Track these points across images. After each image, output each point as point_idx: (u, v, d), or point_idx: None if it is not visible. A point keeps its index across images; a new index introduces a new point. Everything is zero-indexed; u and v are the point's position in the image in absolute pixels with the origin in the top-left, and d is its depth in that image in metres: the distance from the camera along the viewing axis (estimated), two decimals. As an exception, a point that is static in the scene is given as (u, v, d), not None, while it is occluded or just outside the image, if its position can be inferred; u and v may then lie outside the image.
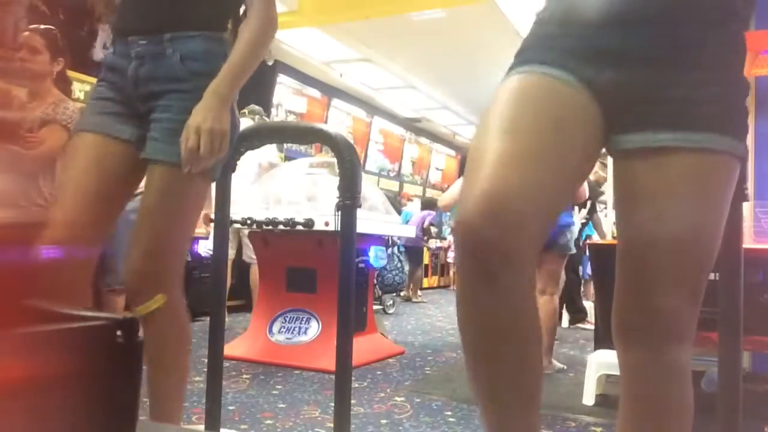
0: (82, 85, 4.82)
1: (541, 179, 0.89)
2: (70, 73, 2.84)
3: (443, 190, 12.10)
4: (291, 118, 7.52)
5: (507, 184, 0.85)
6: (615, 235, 1.13)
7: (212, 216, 1.89)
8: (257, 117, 4.90)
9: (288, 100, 7.54)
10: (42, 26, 2.62)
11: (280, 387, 3.03)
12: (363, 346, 3.57)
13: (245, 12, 1.47)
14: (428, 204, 9.02)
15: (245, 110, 4.89)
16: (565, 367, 3.65)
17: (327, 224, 3.44)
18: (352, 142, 1.81)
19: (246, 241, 4.44)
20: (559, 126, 0.93)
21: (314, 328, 3.67)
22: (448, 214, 7.97)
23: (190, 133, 1.32)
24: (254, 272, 4.56)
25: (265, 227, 3.63)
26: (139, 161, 1.43)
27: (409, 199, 9.68)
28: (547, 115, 0.93)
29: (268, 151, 4.79)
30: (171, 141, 1.37)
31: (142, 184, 1.47)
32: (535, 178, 0.88)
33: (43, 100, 2.58)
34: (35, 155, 2.42)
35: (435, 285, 10.33)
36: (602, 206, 5.14)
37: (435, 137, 11.70)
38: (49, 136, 2.53)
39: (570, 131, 0.94)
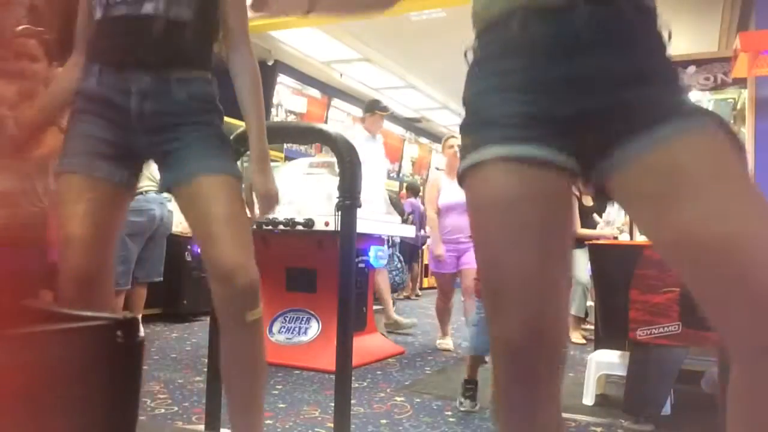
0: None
1: (547, 302, 0.96)
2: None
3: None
4: (291, 118, 7.51)
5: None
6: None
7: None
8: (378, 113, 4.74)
9: (288, 100, 7.54)
10: (35, 29, 2.59)
11: (280, 387, 3.03)
12: (363, 346, 3.57)
13: (227, 54, 1.55)
14: (414, 190, 9.06)
15: (376, 111, 4.70)
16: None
17: (327, 224, 3.44)
18: (352, 142, 1.81)
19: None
20: (544, 224, 0.95)
21: (314, 328, 3.67)
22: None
23: (263, 199, 1.51)
24: (383, 278, 4.69)
25: (265, 227, 3.63)
26: (127, 198, 1.53)
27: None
28: (532, 224, 0.95)
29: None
30: (218, 156, 1.47)
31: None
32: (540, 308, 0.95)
33: (34, 100, 2.56)
34: (32, 158, 2.40)
35: (435, 285, 10.32)
36: None
37: (435, 137, 11.69)
38: (46, 139, 2.52)
39: (555, 217, 0.96)
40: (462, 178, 1.00)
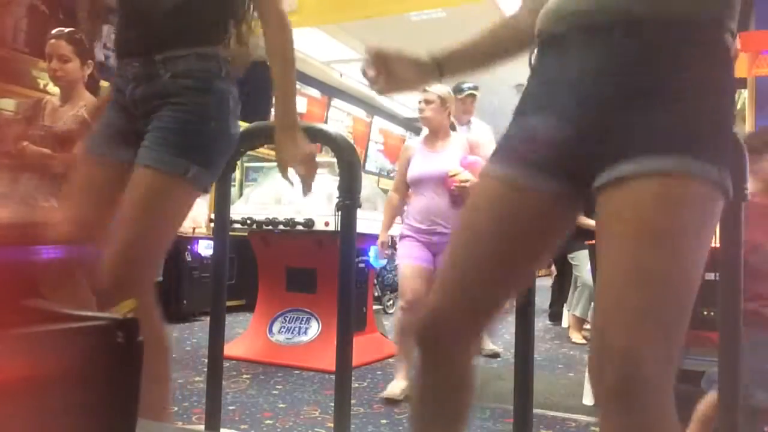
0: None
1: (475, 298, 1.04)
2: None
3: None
4: (291, 118, 7.51)
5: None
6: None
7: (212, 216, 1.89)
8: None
9: (288, 100, 7.54)
10: (65, 30, 2.59)
11: (280, 387, 3.03)
12: (363, 346, 3.57)
13: (255, 22, 1.51)
14: None
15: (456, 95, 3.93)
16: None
17: (327, 224, 3.44)
18: (352, 142, 1.81)
19: None
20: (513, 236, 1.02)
21: (314, 328, 3.67)
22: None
23: (297, 167, 1.49)
24: None
25: (265, 227, 3.63)
26: None
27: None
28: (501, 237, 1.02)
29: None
30: (158, 148, 1.40)
31: None
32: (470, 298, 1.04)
33: (75, 103, 2.58)
34: (66, 157, 2.41)
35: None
36: None
37: (435, 137, 11.69)
38: (81, 139, 2.53)
39: (519, 235, 1.02)
40: None
